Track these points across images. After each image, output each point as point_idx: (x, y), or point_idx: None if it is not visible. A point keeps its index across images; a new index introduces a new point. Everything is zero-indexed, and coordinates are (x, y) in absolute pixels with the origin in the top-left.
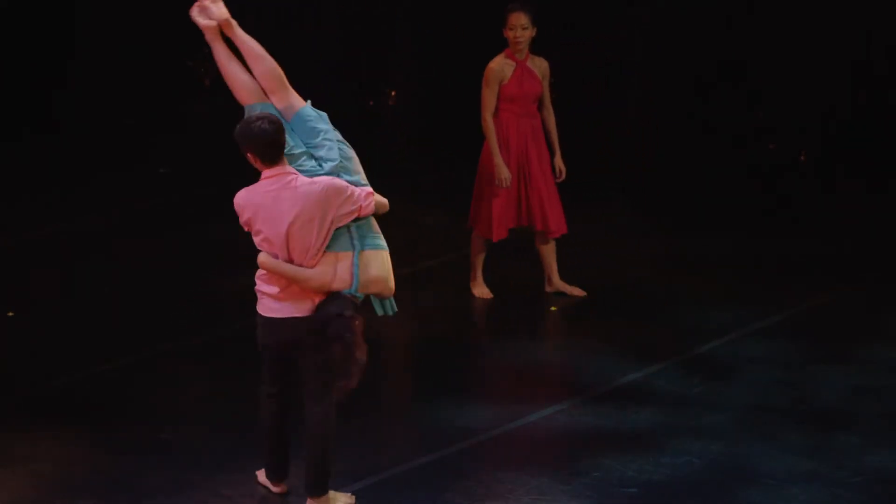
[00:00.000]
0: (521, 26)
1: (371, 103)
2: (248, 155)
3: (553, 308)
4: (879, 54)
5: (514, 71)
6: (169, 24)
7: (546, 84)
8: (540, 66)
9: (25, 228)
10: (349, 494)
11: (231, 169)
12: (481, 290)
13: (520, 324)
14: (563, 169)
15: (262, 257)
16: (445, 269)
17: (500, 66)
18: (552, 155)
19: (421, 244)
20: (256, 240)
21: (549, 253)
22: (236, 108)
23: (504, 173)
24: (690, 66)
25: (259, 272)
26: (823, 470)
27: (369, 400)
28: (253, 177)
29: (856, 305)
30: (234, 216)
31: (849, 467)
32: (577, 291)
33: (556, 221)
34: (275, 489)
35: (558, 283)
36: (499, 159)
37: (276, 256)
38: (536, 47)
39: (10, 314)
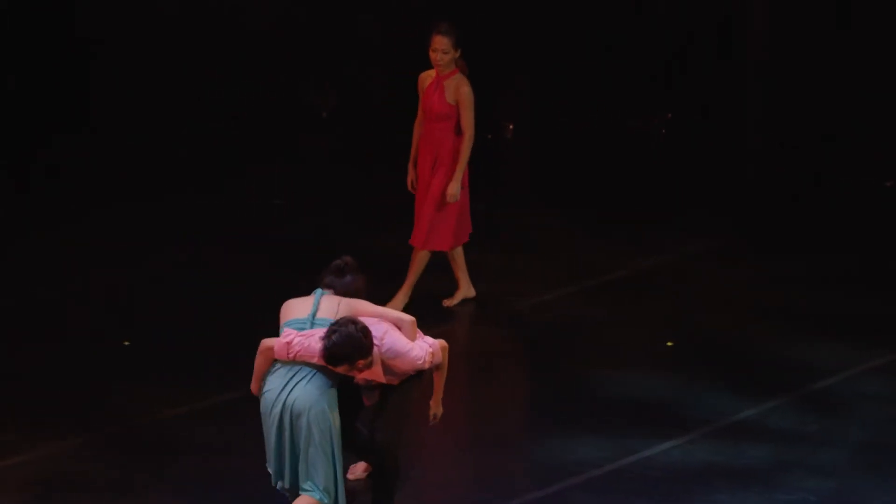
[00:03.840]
0: (441, 50)
1: (489, 136)
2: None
3: (669, 343)
4: None
5: (430, 83)
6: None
7: (462, 109)
8: (455, 88)
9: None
10: None
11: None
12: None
13: (635, 358)
14: (453, 194)
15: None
16: (557, 302)
17: (424, 77)
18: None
19: (535, 275)
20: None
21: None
22: (352, 141)
23: (409, 176)
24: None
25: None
26: None
27: (480, 432)
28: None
29: None
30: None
31: None
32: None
33: (419, 235)
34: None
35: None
36: (410, 164)
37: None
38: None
39: (126, 343)
